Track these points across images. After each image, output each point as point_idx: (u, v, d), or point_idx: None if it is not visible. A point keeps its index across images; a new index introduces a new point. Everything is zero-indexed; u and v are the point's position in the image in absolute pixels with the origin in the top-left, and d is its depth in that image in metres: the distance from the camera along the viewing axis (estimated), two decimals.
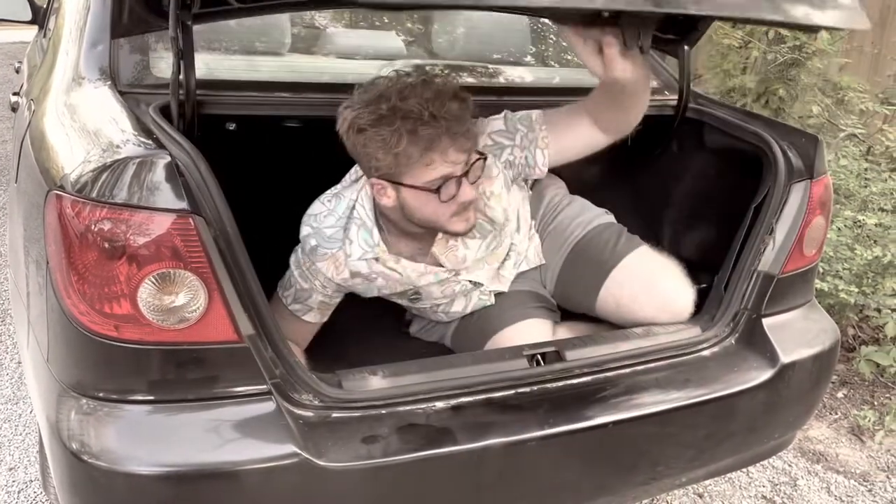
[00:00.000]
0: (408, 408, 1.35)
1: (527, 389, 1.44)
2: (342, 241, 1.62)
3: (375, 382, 1.36)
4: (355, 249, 1.62)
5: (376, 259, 1.64)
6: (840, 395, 2.83)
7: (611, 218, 1.91)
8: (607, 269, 1.77)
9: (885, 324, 2.76)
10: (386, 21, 2.55)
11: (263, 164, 2.03)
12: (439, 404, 1.37)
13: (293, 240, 1.67)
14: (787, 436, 1.79)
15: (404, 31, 2.52)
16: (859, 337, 3.06)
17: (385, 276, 1.68)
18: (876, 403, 2.78)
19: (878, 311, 2.82)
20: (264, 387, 1.26)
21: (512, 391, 1.43)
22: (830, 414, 2.72)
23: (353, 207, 1.62)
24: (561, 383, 1.46)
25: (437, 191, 1.48)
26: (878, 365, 2.78)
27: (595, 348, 1.53)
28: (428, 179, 1.48)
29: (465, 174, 1.51)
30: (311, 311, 1.71)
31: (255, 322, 1.26)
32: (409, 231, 1.62)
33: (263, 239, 1.57)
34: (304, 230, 1.64)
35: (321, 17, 2.49)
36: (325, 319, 1.76)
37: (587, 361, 1.49)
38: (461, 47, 2.36)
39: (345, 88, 1.77)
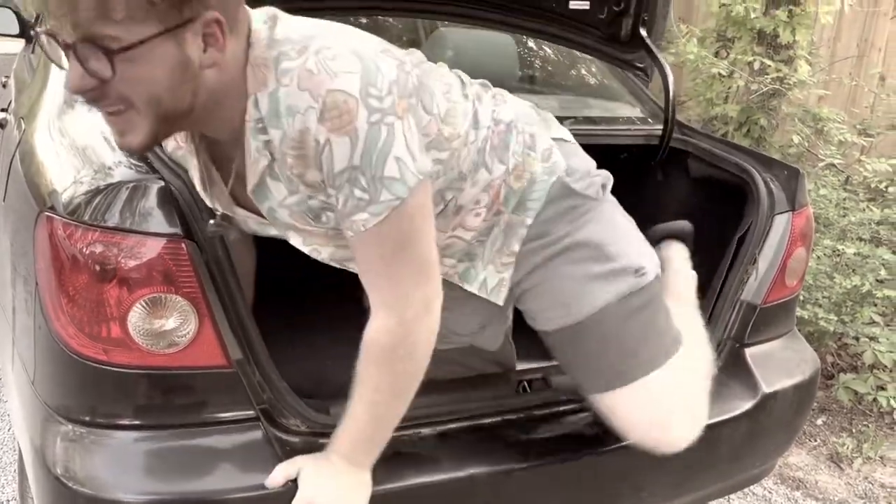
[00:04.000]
0: (394, 434, 1.35)
1: (513, 417, 1.44)
2: None
3: None
4: None
5: None
6: (819, 422, 2.87)
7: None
8: (627, 379, 1.34)
9: (863, 352, 2.80)
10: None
11: None
12: (425, 431, 1.38)
13: (285, 261, 1.65)
14: (769, 464, 1.81)
15: None
16: (838, 364, 3.10)
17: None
18: (854, 431, 2.81)
19: (857, 339, 2.86)
20: (251, 412, 1.26)
21: (499, 418, 1.43)
22: (810, 441, 2.75)
23: None
24: (547, 410, 1.47)
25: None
26: (856, 392, 2.82)
27: None
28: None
29: (71, 46, 0.94)
30: None
31: (244, 346, 1.25)
32: None
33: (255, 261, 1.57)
34: None
35: None
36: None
37: (573, 388, 1.50)
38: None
39: None
